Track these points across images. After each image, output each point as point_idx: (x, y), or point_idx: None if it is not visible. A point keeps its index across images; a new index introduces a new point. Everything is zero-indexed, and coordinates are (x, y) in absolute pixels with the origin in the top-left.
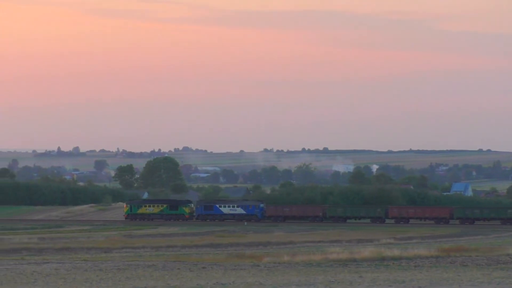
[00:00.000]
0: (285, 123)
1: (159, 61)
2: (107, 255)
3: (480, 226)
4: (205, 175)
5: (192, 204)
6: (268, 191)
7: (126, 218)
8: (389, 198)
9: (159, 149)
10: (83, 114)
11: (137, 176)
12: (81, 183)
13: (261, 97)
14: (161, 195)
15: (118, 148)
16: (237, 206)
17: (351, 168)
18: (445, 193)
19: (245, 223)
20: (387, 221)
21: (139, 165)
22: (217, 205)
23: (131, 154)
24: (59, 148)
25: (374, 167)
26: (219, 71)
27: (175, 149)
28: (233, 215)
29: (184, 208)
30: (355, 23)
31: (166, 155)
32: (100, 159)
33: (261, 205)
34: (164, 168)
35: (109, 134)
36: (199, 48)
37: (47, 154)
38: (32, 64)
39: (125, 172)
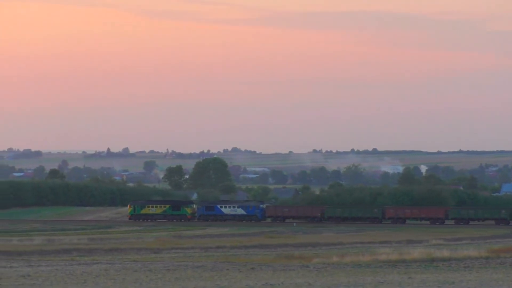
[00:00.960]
0: (334, 123)
1: (210, 62)
2: (157, 255)
3: None
4: (254, 175)
5: (194, 205)
6: (317, 192)
7: (129, 219)
8: (438, 199)
9: (208, 150)
10: (132, 115)
11: (186, 177)
12: (130, 184)
13: (310, 97)
14: (210, 196)
15: (167, 149)
16: (238, 207)
17: (400, 169)
18: (495, 194)
19: (294, 224)
20: (384, 221)
21: (188, 166)
22: (218, 206)
23: (180, 155)
24: (108, 149)
25: (423, 168)
26: (268, 71)
27: (224, 149)
28: (234, 215)
29: (186, 208)
30: (412, 24)
31: (215, 156)
32: (150, 160)
33: (261, 205)
34: (213, 169)
35: (159, 135)
36: (250, 49)
37: (96, 155)
38: (83, 65)
39: (174, 173)
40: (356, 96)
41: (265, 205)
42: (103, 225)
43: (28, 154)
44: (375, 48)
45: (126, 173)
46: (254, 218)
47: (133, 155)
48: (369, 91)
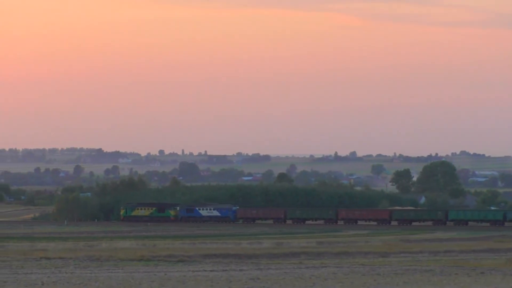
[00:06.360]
0: None
1: (439, 64)
2: (384, 259)
3: None
4: (483, 179)
5: (178, 207)
6: None
7: (122, 220)
8: None
9: (436, 153)
10: (359, 119)
11: (413, 180)
12: (358, 188)
13: None
14: (439, 200)
15: (395, 153)
16: (213, 209)
17: None
18: None
19: None
20: (338, 222)
21: (416, 169)
22: (197, 208)
23: (408, 158)
24: (336, 153)
25: None
26: (491, 74)
27: (452, 153)
28: (210, 217)
29: (170, 211)
30: None
31: (443, 159)
32: (377, 164)
33: (234, 208)
34: (441, 172)
35: (386, 138)
36: (477, 51)
37: (324, 159)
38: (300, 67)
39: (402, 176)
40: None
41: (237, 208)
42: (330, 229)
43: (256, 159)
44: None
45: (354, 177)
46: (227, 219)
47: (360, 159)
48: None
